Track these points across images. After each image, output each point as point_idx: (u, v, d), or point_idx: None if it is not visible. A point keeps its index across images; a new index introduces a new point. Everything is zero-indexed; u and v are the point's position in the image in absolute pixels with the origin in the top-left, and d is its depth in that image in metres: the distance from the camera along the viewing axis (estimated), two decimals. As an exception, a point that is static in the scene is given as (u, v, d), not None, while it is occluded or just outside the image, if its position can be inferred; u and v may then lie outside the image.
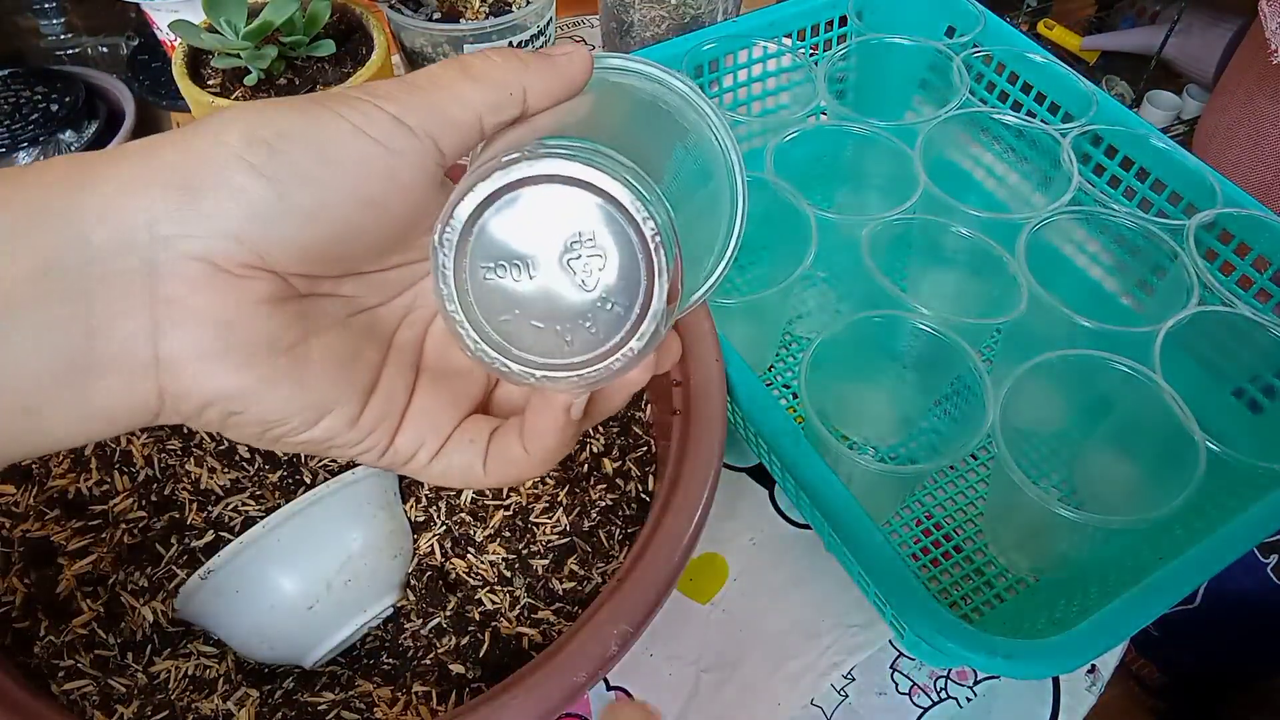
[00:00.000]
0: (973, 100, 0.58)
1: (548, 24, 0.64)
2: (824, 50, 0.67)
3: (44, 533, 0.38)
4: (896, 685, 0.46)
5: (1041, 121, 0.57)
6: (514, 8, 0.62)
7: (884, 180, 0.56)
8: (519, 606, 0.39)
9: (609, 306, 0.20)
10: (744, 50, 0.63)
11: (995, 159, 0.62)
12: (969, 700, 0.46)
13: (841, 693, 0.46)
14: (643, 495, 0.43)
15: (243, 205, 0.19)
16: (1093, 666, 0.47)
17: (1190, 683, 0.92)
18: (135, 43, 0.74)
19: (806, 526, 0.51)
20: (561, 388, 0.21)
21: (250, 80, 0.56)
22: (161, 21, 0.64)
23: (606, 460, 0.43)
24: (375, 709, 0.36)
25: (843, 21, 0.66)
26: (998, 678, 0.47)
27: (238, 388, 0.20)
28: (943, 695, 0.46)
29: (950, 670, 0.47)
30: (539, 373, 0.21)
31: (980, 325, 0.48)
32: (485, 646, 0.38)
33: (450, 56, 0.61)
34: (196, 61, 0.58)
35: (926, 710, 0.46)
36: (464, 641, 0.38)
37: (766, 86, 0.65)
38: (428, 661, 0.38)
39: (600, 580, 0.40)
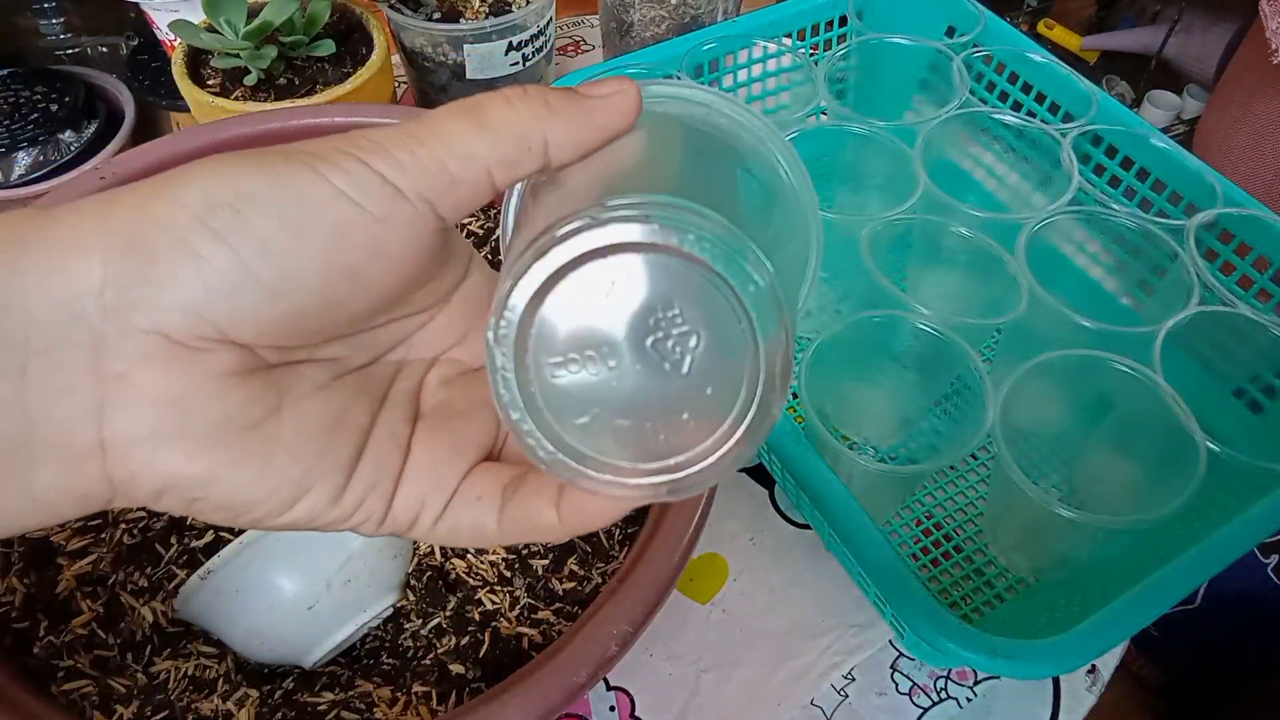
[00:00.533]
0: (973, 100, 0.58)
1: (548, 24, 0.64)
2: (824, 50, 0.67)
3: (43, 533, 0.38)
4: (896, 685, 0.46)
5: (1041, 121, 0.57)
6: (514, 8, 0.62)
7: (884, 180, 0.56)
8: (519, 606, 0.39)
9: (707, 391, 0.17)
10: (744, 50, 0.63)
11: (995, 159, 0.62)
12: (969, 700, 0.46)
13: (841, 693, 0.46)
14: None
15: (201, 275, 0.17)
16: (1093, 666, 0.47)
17: (1190, 682, 0.92)
18: (135, 43, 0.73)
19: (806, 526, 0.51)
20: (663, 495, 0.18)
21: (250, 80, 0.56)
22: (161, 21, 0.64)
23: None
24: (375, 709, 0.36)
25: (843, 21, 0.66)
26: (998, 678, 0.47)
27: (194, 472, 0.17)
28: (943, 695, 0.46)
29: (950, 670, 0.47)
30: (631, 480, 0.18)
31: (980, 325, 0.48)
32: (485, 646, 0.38)
33: (449, 56, 0.61)
34: (196, 61, 0.58)
35: (926, 710, 0.46)
36: (464, 641, 0.38)
37: (766, 86, 0.65)
38: (427, 661, 0.38)
39: (600, 580, 0.40)
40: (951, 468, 0.52)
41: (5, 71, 0.67)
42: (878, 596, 0.43)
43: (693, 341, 0.17)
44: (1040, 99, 0.61)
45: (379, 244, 0.18)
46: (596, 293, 0.17)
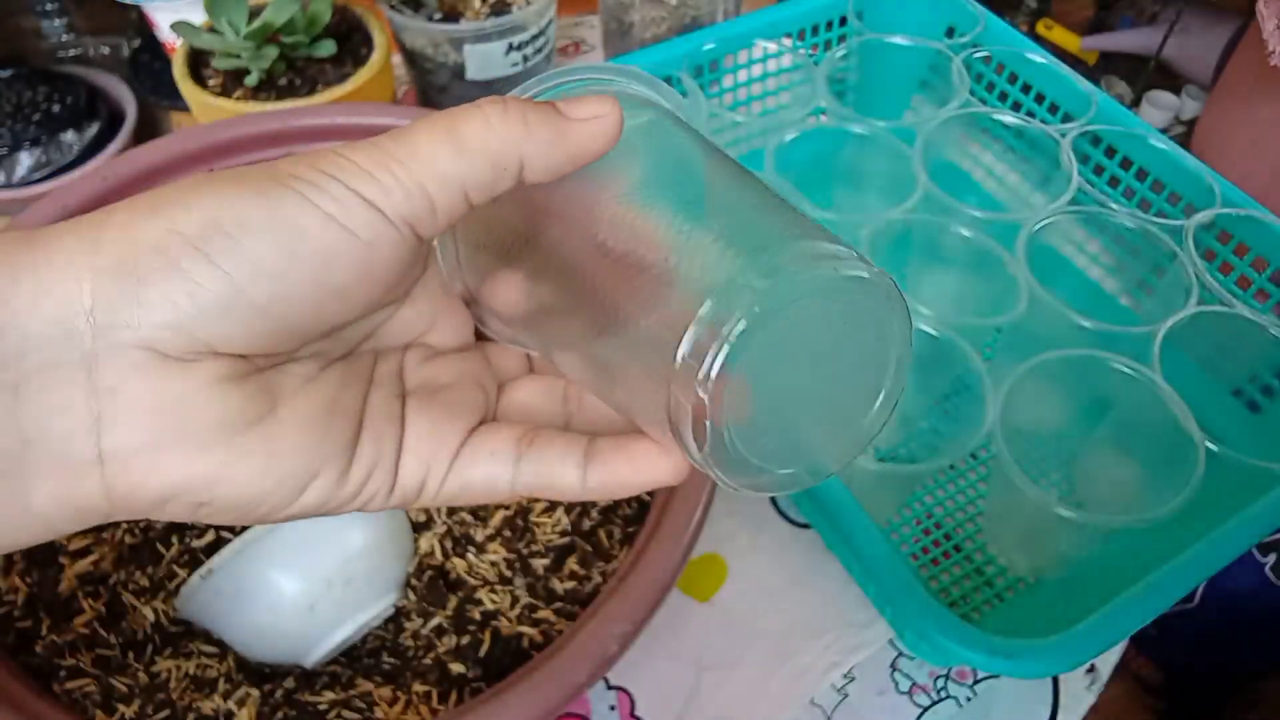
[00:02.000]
0: (972, 100, 0.58)
1: (548, 24, 0.64)
2: (824, 50, 0.67)
3: None
4: (896, 685, 0.46)
5: (1041, 122, 0.57)
6: (514, 8, 0.62)
7: (884, 180, 0.56)
8: (519, 606, 0.39)
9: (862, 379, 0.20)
10: (744, 50, 0.63)
11: (995, 159, 0.62)
12: (969, 700, 0.46)
13: (841, 692, 0.46)
14: (643, 495, 0.43)
15: (194, 298, 0.17)
16: (1092, 666, 0.47)
17: (1190, 682, 0.92)
18: (136, 44, 0.74)
19: (806, 526, 0.51)
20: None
21: (251, 81, 0.57)
22: (162, 22, 0.64)
23: None
24: (375, 708, 0.36)
25: (842, 22, 0.67)
26: (997, 677, 0.47)
27: (197, 476, 0.18)
28: (942, 695, 0.46)
29: (950, 669, 0.47)
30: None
31: (980, 325, 0.48)
32: (485, 646, 0.38)
33: (449, 56, 0.61)
34: (197, 62, 0.58)
35: (926, 709, 0.46)
36: (464, 641, 0.38)
37: (767, 87, 0.65)
38: (428, 661, 0.38)
39: (600, 580, 0.40)
40: (951, 467, 0.52)
41: (7, 73, 0.67)
42: (878, 596, 0.43)
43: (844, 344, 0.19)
44: (1040, 99, 0.61)
45: (365, 265, 0.19)
46: (765, 364, 0.18)
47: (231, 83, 0.57)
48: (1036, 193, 0.58)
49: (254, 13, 0.55)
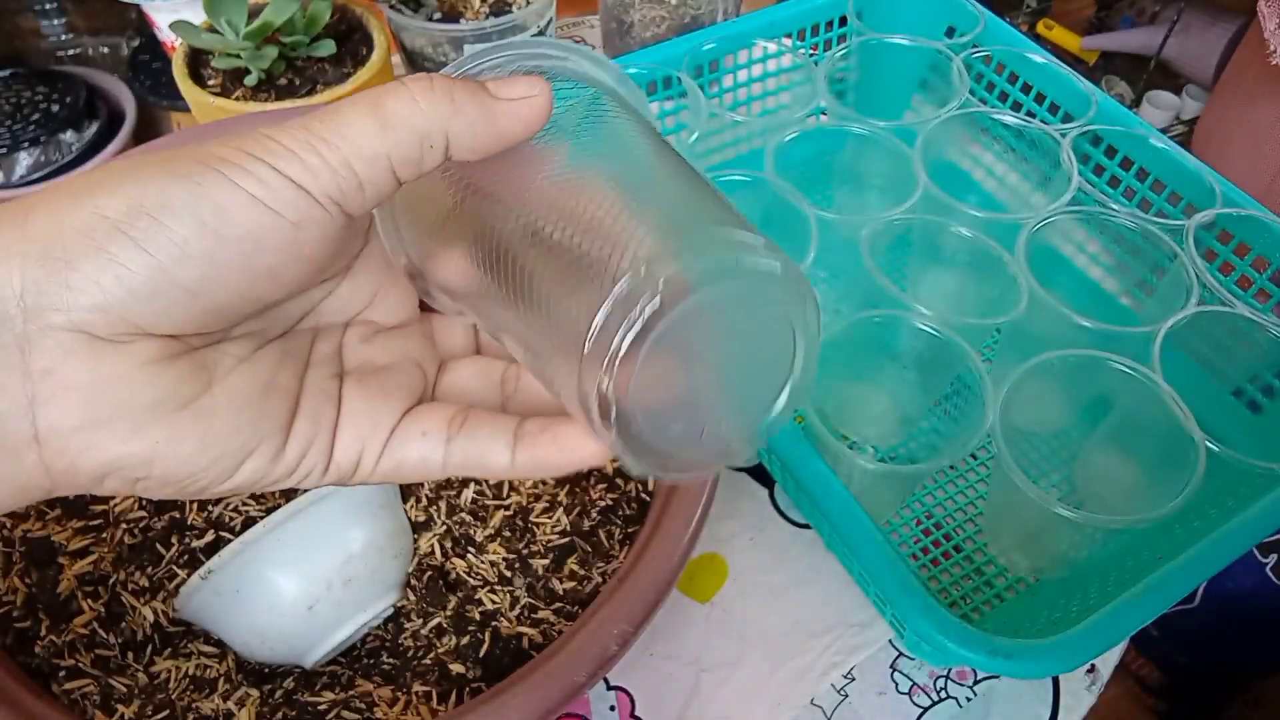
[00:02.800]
0: (972, 100, 0.58)
1: (548, 24, 0.64)
2: (824, 50, 0.67)
3: (45, 532, 0.38)
4: (896, 685, 0.46)
5: (1041, 122, 0.57)
6: (514, 8, 0.62)
7: (884, 180, 0.56)
8: (519, 606, 0.39)
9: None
10: (744, 50, 0.63)
11: (995, 159, 0.62)
12: (969, 700, 0.46)
13: (841, 693, 0.46)
14: (643, 495, 0.43)
15: (121, 281, 0.17)
16: (1092, 666, 0.47)
17: (1190, 682, 0.92)
18: (136, 43, 0.74)
19: (806, 526, 0.51)
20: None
21: (250, 80, 0.56)
22: (162, 22, 0.64)
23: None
24: (375, 709, 0.36)
25: (842, 21, 0.67)
26: (997, 677, 0.47)
27: (134, 453, 0.18)
28: (942, 695, 0.46)
29: (950, 670, 0.47)
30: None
31: (979, 325, 0.48)
32: (485, 646, 0.38)
33: (449, 56, 0.61)
34: (197, 62, 0.58)
35: (926, 710, 0.46)
36: (464, 641, 0.38)
37: (767, 87, 0.65)
38: (428, 661, 0.38)
39: (600, 580, 0.40)
40: (951, 468, 0.52)
41: (7, 72, 0.67)
42: (878, 595, 0.43)
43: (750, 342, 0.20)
44: (1040, 99, 0.61)
45: (294, 246, 0.19)
46: (678, 353, 0.18)
47: (231, 82, 0.57)
48: (1036, 193, 0.58)
49: (253, 12, 0.55)
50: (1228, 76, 0.79)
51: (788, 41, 0.64)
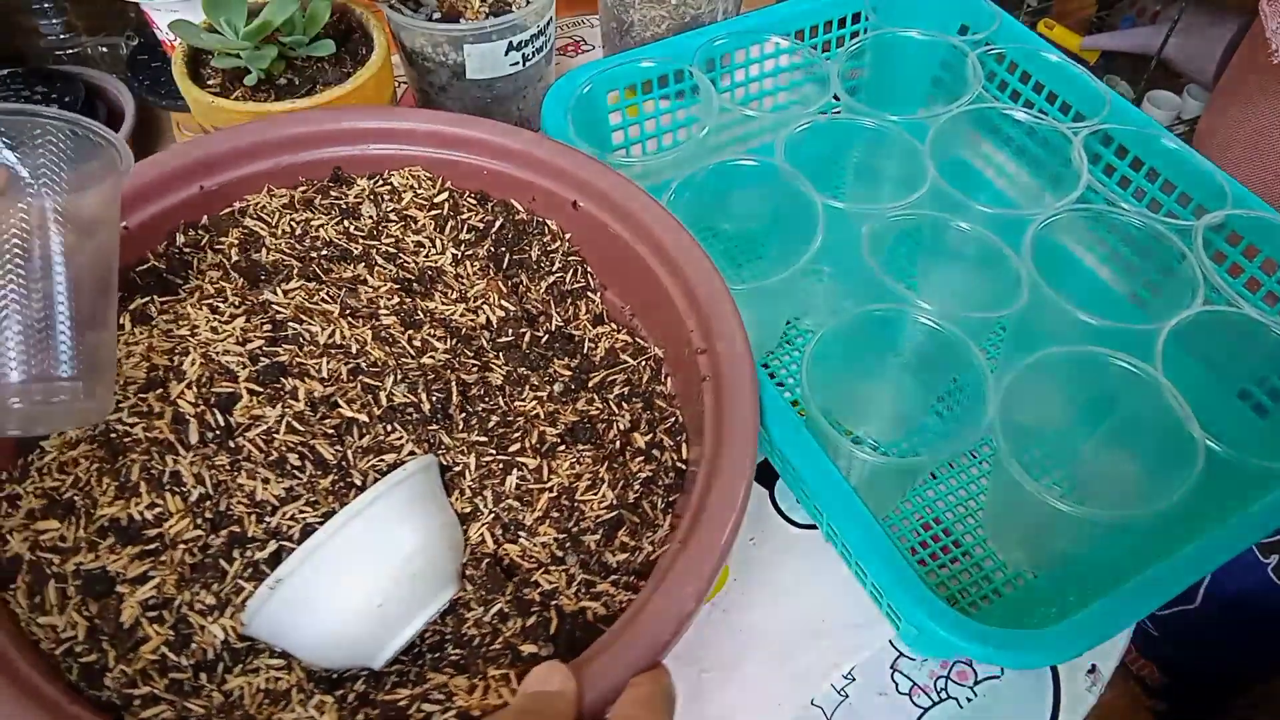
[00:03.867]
0: (985, 97, 0.58)
1: (548, 24, 0.64)
2: (837, 47, 0.67)
3: (99, 564, 0.37)
4: (896, 685, 0.46)
5: (1053, 120, 0.57)
6: (514, 8, 0.62)
7: (895, 176, 0.56)
8: (576, 583, 0.39)
9: None
10: (756, 46, 0.63)
11: (1006, 157, 0.62)
12: (969, 700, 0.46)
13: (841, 693, 0.46)
14: (678, 464, 0.44)
15: None
16: (1093, 667, 0.47)
17: (1190, 683, 0.92)
18: (135, 43, 0.73)
19: (807, 527, 0.51)
20: None
21: (250, 80, 0.56)
22: (161, 21, 0.64)
23: (636, 434, 0.44)
24: (455, 698, 0.36)
25: (856, 19, 0.67)
26: (998, 678, 0.47)
27: None
28: (943, 695, 0.46)
29: (950, 670, 0.47)
30: None
31: (983, 320, 0.48)
32: (554, 624, 0.38)
33: (449, 56, 0.61)
34: (196, 61, 0.58)
35: (926, 710, 0.46)
36: (530, 622, 0.38)
37: (779, 82, 0.65)
38: (497, 646, 0.37)
39: (650, 549, 0.40)
40: (952, 464, 0.52)
41: (5, 71, 0.67)
42: (874, 587, 0.43)
43: None
44: (1052, 99, 0.61)
45: None
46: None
47: (230, 82, 0.57)
48: (1046, 191, 0.58)
49: (253, 12, 0.54)
50: (1229, 76, 0.79)
51: (800, 38, 0.65)
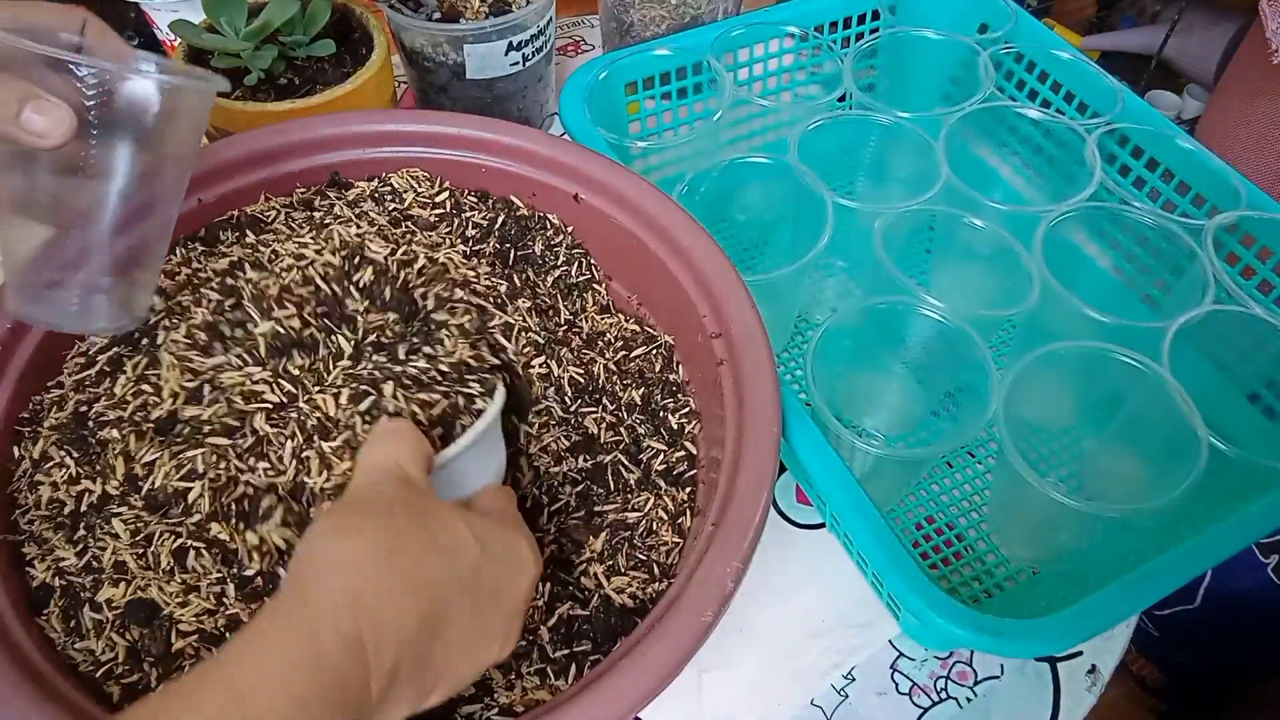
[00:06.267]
0: (1000, 96, 0.58)
1: (548, 24, 0.64)
2: (856, 43, 0.67)
3: (144, 595, 0.36)
4: (896, 685, 0.46)
5: (1067, 119, 0.57)
6: (514, 8, 0.62)
7: (908, 173, 0.56)
8: (599, 577, 0.40)
9: None
10: (774, 40, 0.63)
11: (1021, 154, 0.62)
12: (969, 700, 0.46)
13: (841, 693, 0.46)
14: (693, 452, 0.44)
15: None
16: (1093, 667, 0.47)
17: (1191, 683, 0.92)
18: (135, 42, 0.73)
19: (807, 527, 0.51)
20: None
21: (250, 80, 0.56)
22: (161, 21, 0.64)
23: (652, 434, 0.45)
24: (496, 694, 0.36)
25: (874, 16, 0.67)
26: (998, 678, 0.47)
27: None
28: (943, 695, 0.46)
29: (950, 670, 0.47)
30: None
31: (992, 317, 0.48)
32: (584, 615, 0.38)
33: (449, 56, 0.61)
34: (196, 61, 0.58)
35: (926, 710, 0.46)
36: (553, 621, 0.39)
37: (796, 77, 0.66)
38: (523, 645, 0.38)
39: (679, 540, 0.41)
40: (956, 459, 0.52)
41: (5, 71, 0.67)
42: (874, 576, 0.43)
43: None
44: (1069, 98, 0.61)
45: None
46: None
47: (231, 82, 0.57)
48: (1060, 189, 0.58)
49: (253, 12, 0.54)
50: (1229, 76, 0.79)
51: (816, 34, 0.65)
